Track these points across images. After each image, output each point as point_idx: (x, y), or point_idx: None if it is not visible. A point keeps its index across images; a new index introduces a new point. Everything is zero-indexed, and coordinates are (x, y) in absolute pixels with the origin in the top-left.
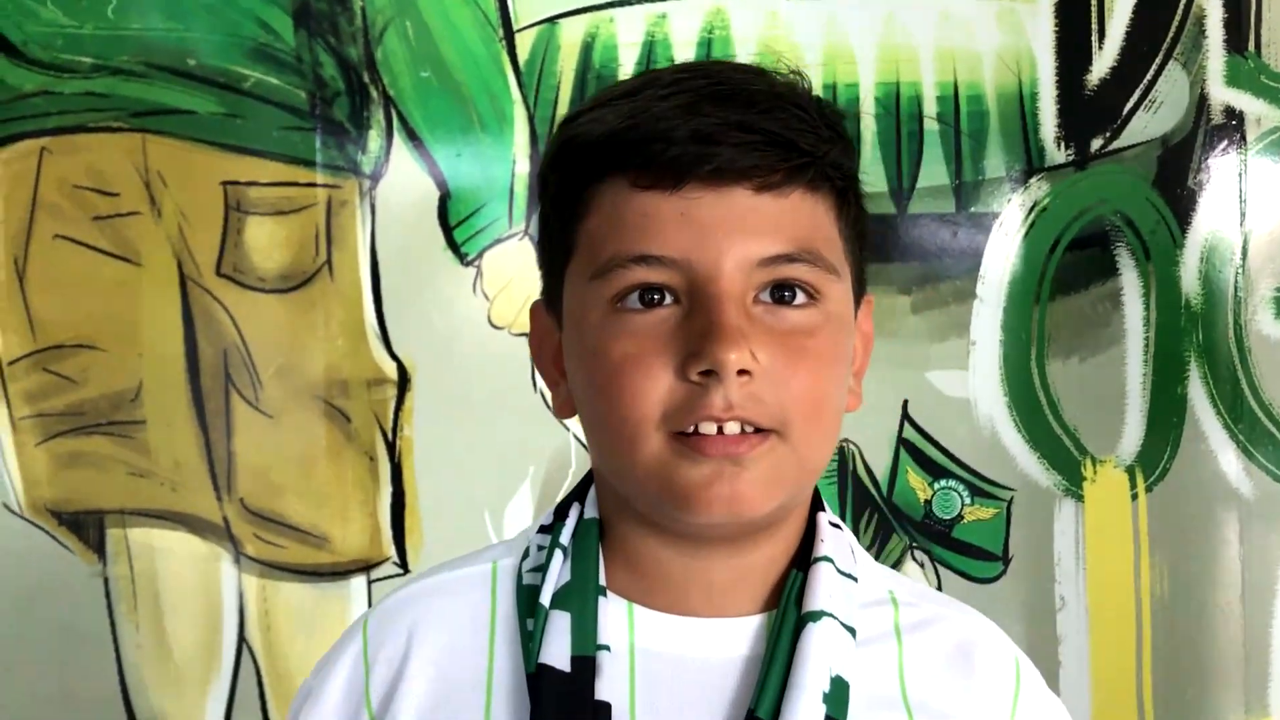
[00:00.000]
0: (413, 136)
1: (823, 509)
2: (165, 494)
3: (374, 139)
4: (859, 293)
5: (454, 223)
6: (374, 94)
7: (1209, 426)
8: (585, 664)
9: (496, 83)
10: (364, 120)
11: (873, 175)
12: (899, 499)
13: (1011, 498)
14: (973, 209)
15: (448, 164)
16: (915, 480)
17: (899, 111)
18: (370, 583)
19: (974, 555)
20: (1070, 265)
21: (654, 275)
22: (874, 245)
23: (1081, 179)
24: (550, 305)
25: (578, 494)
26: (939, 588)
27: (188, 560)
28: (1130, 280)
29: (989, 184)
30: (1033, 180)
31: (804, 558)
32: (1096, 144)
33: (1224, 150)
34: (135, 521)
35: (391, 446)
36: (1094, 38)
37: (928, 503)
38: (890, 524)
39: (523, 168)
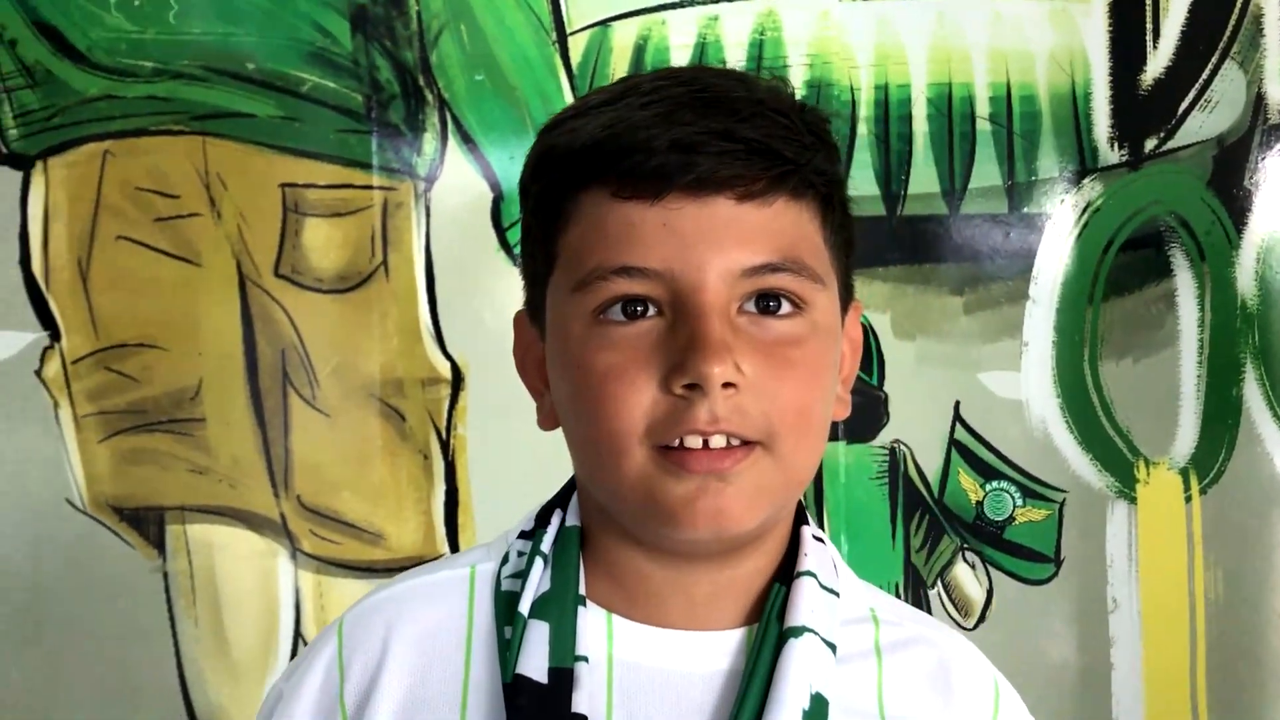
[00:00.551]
0: (467, 139)
1: (806, 522)
2: (224, 491)
3: (429, 141)
4: (846, 299)
5: (507, 224)
6: (429, 97)
7: (1265, 428)
8: (563, 676)
9: (549, 85)
10: (419, 123)
11: (925, 176)
12: (950, 500)
13: (1064, 499)
14: (1025, 210)
15: (501, 166)
16: (967, 481)
17: (951, 112)
18: None
19: (1026, 557)
20: (1124, 266)
21: (636, 287)
22: (928, 245)
23: (1135, 179)
24: (533, 316)
25: (559, 501)
26: (990, 590)
27: (245, 556)
28: (1185, 281)
29: (1042, 184)
30: (1086, 181)
31: (787, 572)
32: (1151, 144)
33: None
34: (194, 518)
35: (445, 444)
36: (1148, 37)
37: (979, 504)
38: (941, 525)
39: None
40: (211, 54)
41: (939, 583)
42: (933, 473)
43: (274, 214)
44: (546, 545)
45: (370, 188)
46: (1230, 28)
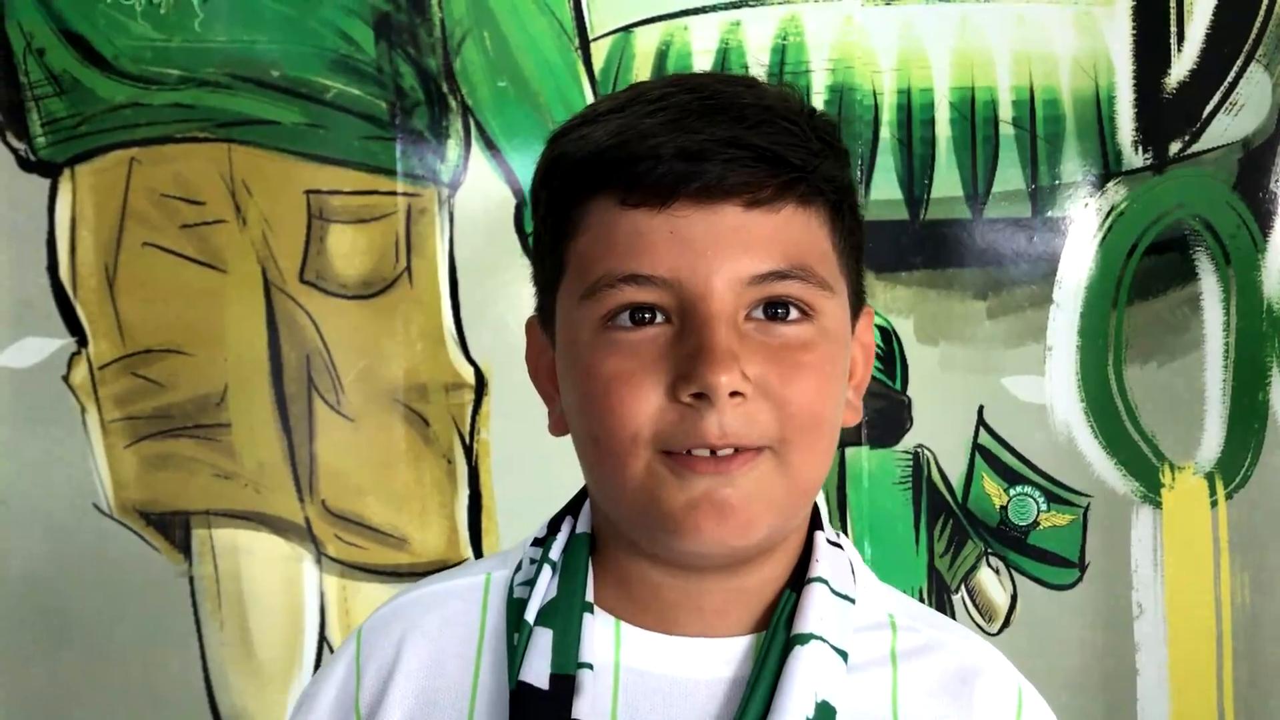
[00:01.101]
0: (490, 145)
1: (820, 527)
2: (249, 495)
3: (453, 148)
4: (857, 305)
5: (530, 230)
6: (453, 104)
7: None
8: (564, 683)
9: (572, 92)
10: (443, 130)
11: (947, 181)
12: (974, 505)
13: (1088, 504)
14: (1049, 213)
15: (524, 172)
16: (991, 486)
17: (974, 116)
18: None
19: (1050, 562)
20: (1148, 270)
21: (644, 295)
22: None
23: (1160, 183)
24: (544, 323)
25: (571, 508)
26: (1014, 595)
27: (270, 560)
28: (1210, 285)
29: (1065, 188)
30: (1110, 184)
31: (799, 578)
32: (1175, 147)
33: None
34: (220, 522)
35: (469, 450)
36: (1173, 40)
37: (1003, 509)
38: (965, 530)
39: None
40: (236, 61)
41: (963, 588)
42: (956, 478)
43: (299, 220)
44: (555, 552)
45: (394, 194)
46: (1255, 30)
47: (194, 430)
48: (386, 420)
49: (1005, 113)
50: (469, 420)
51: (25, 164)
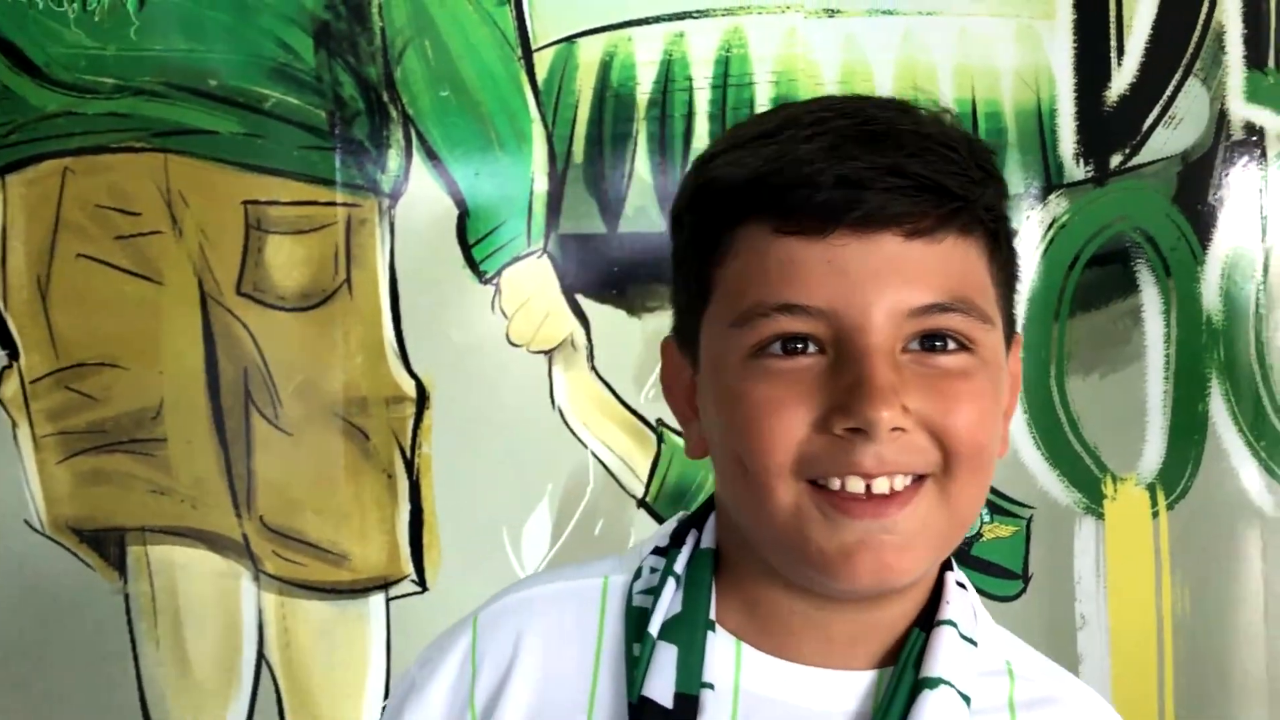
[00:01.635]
0: (432, 155)
1: (951, 568)
2: (186, 511)
3: (393, 158)
4: (1009, 335)
5: (472, 241)
6: (393, 113)
7: (1230, 443)
8: (688, 702)
9: (515, 101)
10: (383, 139)
11: None
12: None
13: (1031, 516)
14: None
15: (466, 182)
16: None
17: None
18: (388, 600)
19: (994, 573)
20: (1090, 282)
21: (798, 325)
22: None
23: (1101, 195)
24: (683, 345)
25: (696, 520)
26: None
27: (208, 577)
28: (1151, 297)
29: (1008, 200)
30: (1052, 197)
31: (928, 617)
32: (1116, 160)
33: (1244, 166)
34: (156, 539)
35: (410, 464)
36: (1113, 54)
37: None
38: None
39: (541, 186)
40: (173, 70)
41: None
42: None
43: (236, 231)
44: (680, 565)
45: (334, 204)
46: (1193, 45)
47: (129, 445)
48: (326, 434)
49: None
50: (410, 434)
51: None
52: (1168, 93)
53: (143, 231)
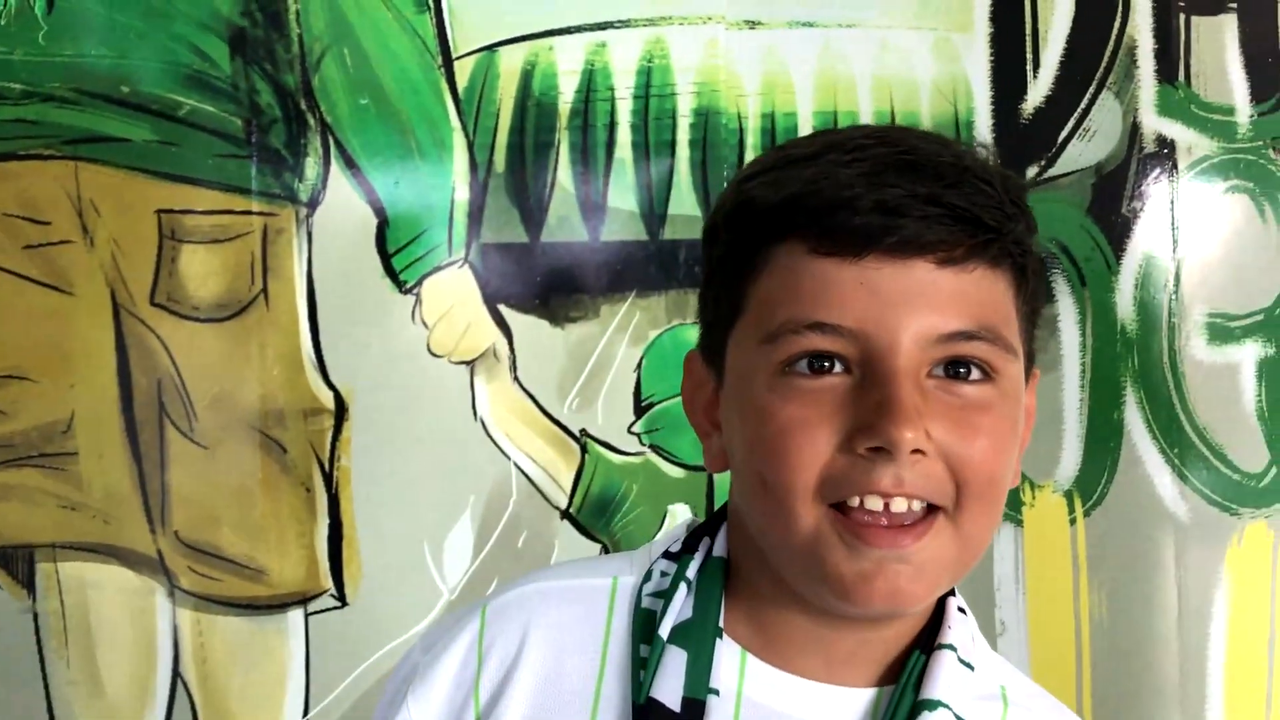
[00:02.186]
0: (350, 164)
1: (953, 593)
2: (97, 527)
3: (311, 166)
4: (1028, 368)
5: (392, 250)
6: (311, 121)
7: (1145, 451)
8: (695, 707)
9: (435, 110)
10: (301, 147)
11: None
12: None
13: None
14: None
15: (386, 191)
16: None
17: None
18: (307, 615)
19: None
20: None
21: (827, 343)
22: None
23: None
24: (709, 358)
25: (709, 528)
26: None
27: (121, 594)
28: (1067, 307)
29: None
30: None
31: (928, 639)
32: (1032, 172)
33: (1156, 178)
34: (66, 555)
35: (329, 477)
36: (1028, 67)
37: None
38: None
39: (462, 195)
40: (84, 76)
41: None
42: None
43: (150, 241)
44: (692, 572)
45: (250, 213)
46: (1106, 59)
47: (38, 460)
48: (242, 447)
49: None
50: (328, 447)
51: None
52: (1082, 105)
53: (53, 241)
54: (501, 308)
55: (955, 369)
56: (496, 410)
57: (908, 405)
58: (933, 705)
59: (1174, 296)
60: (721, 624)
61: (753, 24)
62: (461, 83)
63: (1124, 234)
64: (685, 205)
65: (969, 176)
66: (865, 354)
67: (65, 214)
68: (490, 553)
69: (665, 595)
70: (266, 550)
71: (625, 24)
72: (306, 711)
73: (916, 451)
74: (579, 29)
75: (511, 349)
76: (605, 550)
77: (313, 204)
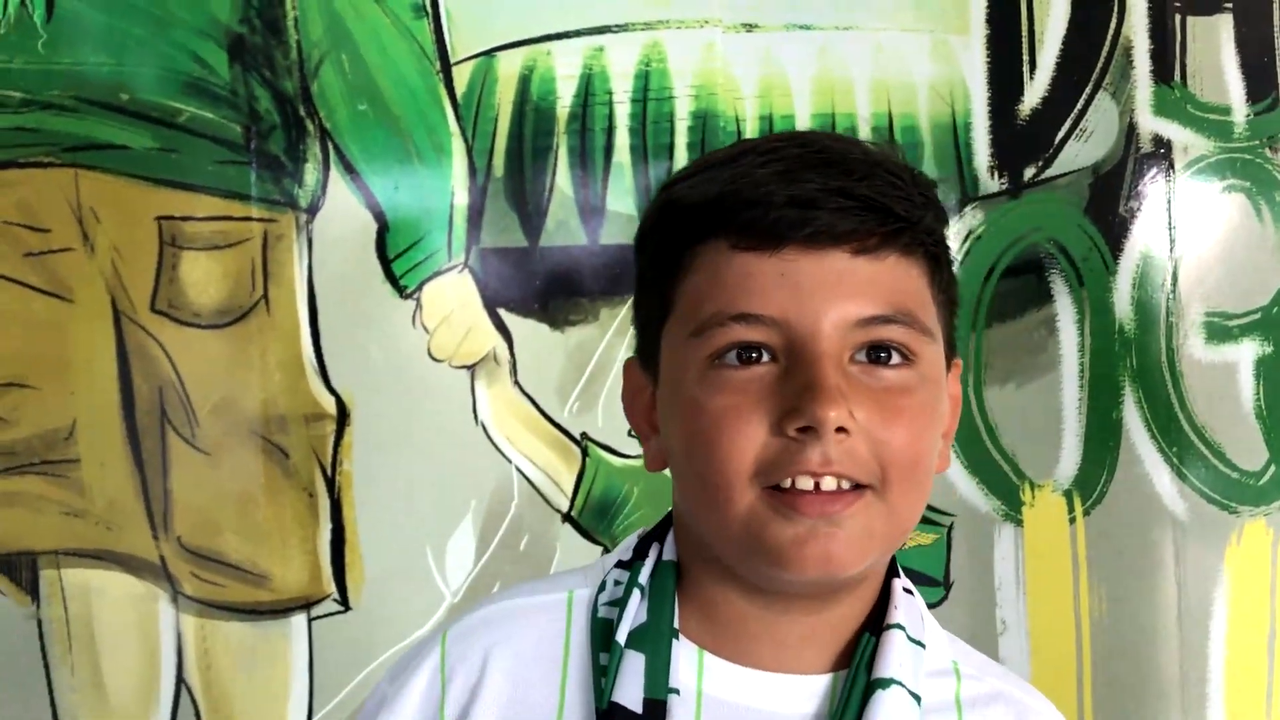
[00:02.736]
0: (350, 169)
1: (898, 574)
2: (100, 534)
3: (310, 172)
4: (949, 356)
5: (392, 255)
6: (310, 127)
7: (1144, 449)
8: (656, 707)
9: (434, 115)
10: (300, 153)
11: None
12: None
13: (952, 523)
14: None
15: (385, 196)
16: None
17: None
18: (310, 620)
19: (916, 581)
20: (1005, 292)
21: (753, 334)
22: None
23: (1015, 207)
24: (644, 362)
25: (657, 534)
26: None
27: (124, 600)
28: (1065, 306)
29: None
30: (967, 209)
31: (876, 621)
32: (1029, 173)
33: (1153, 178)
34: (70, 562)
35: (331, 482)
36: (1025, 68)
37: None
38: None
39: (461, 199)
40: (83, 84)
41: None
42: None
43: (150, 247)
44: (644, 577)
45: (250, 219)
46: (1102, 60)
47: (41, 467)
48: (244, 453)
49: (865, 138)
50: (330, 452)
51: None
52: (1079, 106)
53: (53, 248)
54: (501, 312)
55: (876, 354)
56: (497, 414)
57: (830, 386)
58: (885, 684)
59: (1172, 296)
60: (677, 625)
61: (749, 27)
62: (460, 88)
63: (1121, 234)
64: None
65: (880, 170)
66: (789, 342)
67: (65, 221)
68: (492, 556)
69: (620, 603)
70: (269, 555)
71: (622, 28)
72: (310, 716)
73: (841, 430)
74: (576, 34)
75: (512, 353)
76: (606, 553)
77: (312, 210)
